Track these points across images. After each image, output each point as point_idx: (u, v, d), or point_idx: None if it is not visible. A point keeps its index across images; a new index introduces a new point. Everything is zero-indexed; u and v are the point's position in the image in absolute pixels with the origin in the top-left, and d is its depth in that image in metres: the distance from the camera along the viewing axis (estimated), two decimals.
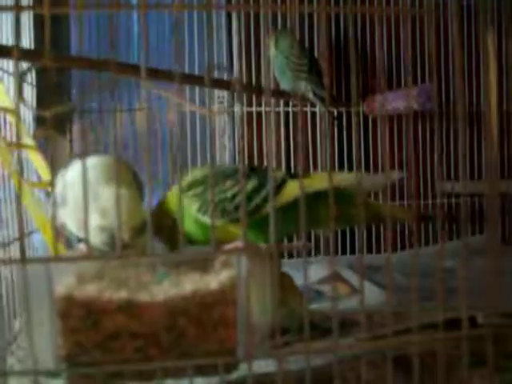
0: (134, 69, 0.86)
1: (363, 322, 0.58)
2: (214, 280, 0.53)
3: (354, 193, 0.68)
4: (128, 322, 0.51)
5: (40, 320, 0.51)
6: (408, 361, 0.56)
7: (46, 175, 0.82)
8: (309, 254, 1.44)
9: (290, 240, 1.14)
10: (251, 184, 0.72)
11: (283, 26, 1.40)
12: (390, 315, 0.61)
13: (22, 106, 0.97)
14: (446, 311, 0.56)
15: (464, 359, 0.56)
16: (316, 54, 1.43)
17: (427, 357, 0.57)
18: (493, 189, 0.61)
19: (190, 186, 0.75)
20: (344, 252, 1.48)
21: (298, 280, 1.15)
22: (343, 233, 1.47)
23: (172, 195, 0.76)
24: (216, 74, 1.38)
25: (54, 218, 0.67)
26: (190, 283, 0.53)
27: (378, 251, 1.50)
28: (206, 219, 0.72)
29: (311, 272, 1.09)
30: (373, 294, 1.00)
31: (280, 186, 0.73)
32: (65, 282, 0.53)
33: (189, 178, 0.76)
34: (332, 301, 0.54)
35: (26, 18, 1.07)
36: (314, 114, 1.49)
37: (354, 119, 1.38)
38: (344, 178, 0.74)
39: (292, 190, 0.72)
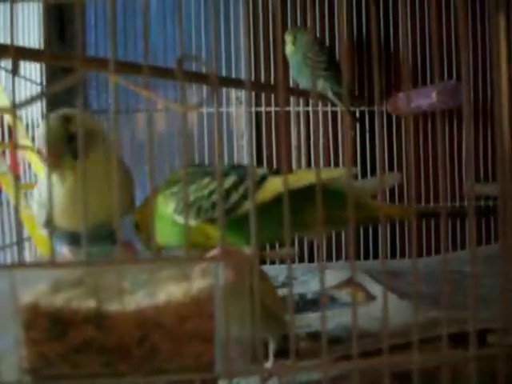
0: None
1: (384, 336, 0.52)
2: (190, 290, 0.49)
3: (344, 191, 0.61)
4: (96, 333, 0.47)
5: (4, 330, 0.48)
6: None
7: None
8: (329, 258, 1.39)
9: (280, 245, 1.09)
10: (230, 180, 0.67)
11: (302, 24, 1.35)
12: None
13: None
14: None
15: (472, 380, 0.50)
16: (337, 49, 1.38)
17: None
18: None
19: (168, 185, 0.70)
20: (367, 257, 1.42)
21: (314, 286, 1.11)
22: (365, 236, 1.41)
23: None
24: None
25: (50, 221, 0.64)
26: (164, 293, 0.49)
27: (403, 255, 1.44)
28: (182, 219, 0.67)
29: (326, 277, 1.04)
30: (390, 302, 0.94)
31: (260, 183, 0.67)
32: (35, 289, 0.50)
33: (168, 176, 0.72)
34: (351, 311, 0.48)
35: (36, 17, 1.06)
36: (335, 113, 1.43)
37: (377, 119, 1.32)
38: (331, 174, 0.67)
39: (272, 186, 0.66)
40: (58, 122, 0.63)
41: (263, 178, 0.67)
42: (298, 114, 1.41)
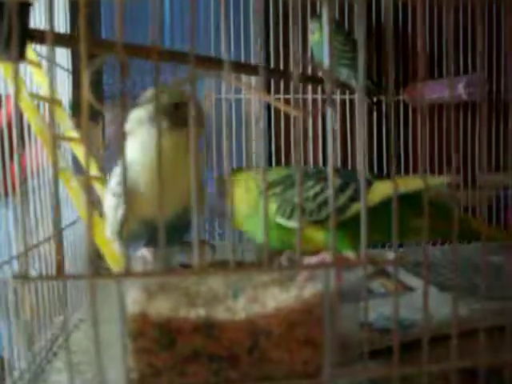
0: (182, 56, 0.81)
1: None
2: (298, 296, 0.48)
3: (445, 202, 0.61)
4: (205, 342, 0.46)
5: (109, 340, 0.47)
6: None
7: (92, 170, 0.77)
8: None
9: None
10: (335, 183, 0.66)
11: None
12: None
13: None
14: None
15: None
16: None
17: None
18: None
19: (268, 186, 0.69)
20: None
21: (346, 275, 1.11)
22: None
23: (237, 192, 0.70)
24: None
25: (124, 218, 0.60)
26: (270, 299, 0.48)
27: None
28: (285, 221, 0.66)
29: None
30: (431, 295, 0.95)
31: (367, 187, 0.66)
32: (132, 296, 0.49)
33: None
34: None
35: (61, 3, 1.01)
36: (353, 101, 1.43)
37: (388, 109, 1.32)
38: (434, 182, 0.67)
39: (380, 190, 0.65)
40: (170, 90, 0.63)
41: (370, 183, 0.67)
42: (315, 101, 1.40)
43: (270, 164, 1.39)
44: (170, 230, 0.44)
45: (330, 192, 0.45)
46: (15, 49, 0.44)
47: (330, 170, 0.46)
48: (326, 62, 1.29)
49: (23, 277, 0.42)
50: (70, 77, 1.03)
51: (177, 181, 0.56)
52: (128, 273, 0.45)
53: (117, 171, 0.67)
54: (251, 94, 1.21)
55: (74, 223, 0.90)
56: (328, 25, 0.46)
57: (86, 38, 0.44)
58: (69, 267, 0.91)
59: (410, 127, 1.43)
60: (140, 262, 0.62)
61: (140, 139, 0.64)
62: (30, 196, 0.74)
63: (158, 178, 0.45)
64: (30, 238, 0.71)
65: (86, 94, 0.44)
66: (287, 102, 1.36)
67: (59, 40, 0.77)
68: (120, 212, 0.65)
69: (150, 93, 0.67)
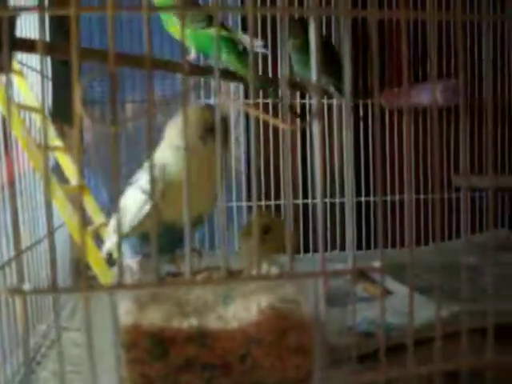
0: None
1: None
2: (288, 303, 0.49)
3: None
4: (199, 351, 0.47)
5: (101, 350, 0.47)
6: None
7: (74, 179, 0.77)
8: (325, 249, 1.41)
9: None
10: None
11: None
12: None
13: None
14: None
15: None
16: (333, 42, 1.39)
17: None
18: None
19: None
20: (368, 247, 1.46)
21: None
22: (359, 226, 1.44)
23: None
24: None
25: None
26: (262, 308, 0.49)
27: (393, 245, 1.48)
28: None
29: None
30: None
31: None
32: (124, 307, 0.49)
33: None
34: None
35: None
36: (330, 106, 1.45)
37: (374, 111, 1.34)
38: None
39: None
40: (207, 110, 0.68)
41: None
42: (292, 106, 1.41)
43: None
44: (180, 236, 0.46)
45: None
46: (7, 61, 0.44)
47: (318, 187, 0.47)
48: (296, 66, 1.29)
49: (17, 290, 0.42)
50: (49, 82, 1.03)
51: (200, 189, 0.64)
52: (121, 285, 0.45)
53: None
54: (227, 101, 1.22)
55: (56, 229, 0.90)
56: (315, 41, 0.47)
57: (77, 49, 0.44)
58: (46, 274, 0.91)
59: (387, 131, 1.46)
60: (127, 272, 0.63)
61: (178, 147, 0.68)
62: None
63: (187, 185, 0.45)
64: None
65: (78, 108, 0.44)
66: (266, 106, 1.38)
67: (49, 50, 0.77)
68: (146, 208, 0.66)
69: (195, 111, 0.70)
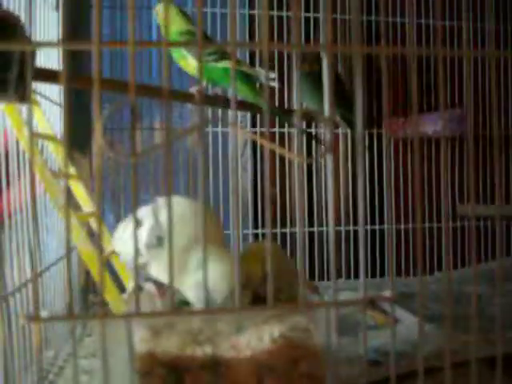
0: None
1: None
2: (300, 332, 0.50)
3: None
4: (212, 380, 0.47)
5: (114, 378, 0.47)
6: None
7: (87, 206, 0.78)
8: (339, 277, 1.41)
9: None
10: None
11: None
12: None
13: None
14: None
15: None
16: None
17: None
18: None
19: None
20: (374, 275, 1.46)
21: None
22: (373, 255, 1.44)
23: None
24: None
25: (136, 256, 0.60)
26: (275, 336, 0.50)
27: (406, 274, 1.47)
28: None
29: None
30: (417, 326, 0.97)
31: None
32: (139, 335, 0.50)
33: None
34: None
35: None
36: (335, 135, 1.46)
37: (384, 141, 1.36)
38: None
39: None
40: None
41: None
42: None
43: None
44: None
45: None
46: (29, 93, 0.45)
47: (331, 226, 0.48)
48: (304, 95, 1.30)
49: (34, 317, 0.43)
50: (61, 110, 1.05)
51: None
52: (137, 313, 0.46)
53: (148, 222, 0.66)
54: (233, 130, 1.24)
55: (64, 256, 0.91)
56: (328, 76, 0.48)
57: (99, 82, 0.45)
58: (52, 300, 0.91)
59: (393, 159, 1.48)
60: (146, 297, 0.63)
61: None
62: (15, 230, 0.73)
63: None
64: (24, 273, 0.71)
65: (99, 138, 0.45)
66: (273, 136, 1.40)
67: (70, 81, 0.78)
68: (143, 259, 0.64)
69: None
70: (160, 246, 0.62)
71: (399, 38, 1.46)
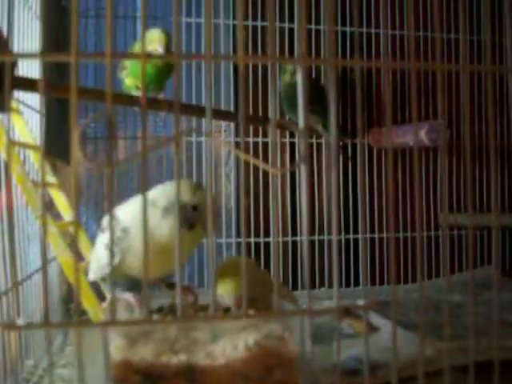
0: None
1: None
2: (275, 340, 0.51)
3: None
4: None
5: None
6: None
7: (68, 215, 0.78)
8: (313, 286, 1.42)
9: None
10: None
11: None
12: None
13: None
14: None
15: None
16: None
17: None
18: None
19: None
20: (348, 284, 1.47)
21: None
22: (347, 263, 1.46)
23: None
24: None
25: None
26: (250, 344, 0.50)
27: (381, 283, 1.49)
28: None
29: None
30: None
31: None
32: (114, 343, 0.50)
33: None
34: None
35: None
36: (319, 145, 1.48)
37: (359, 150, 1.37)
38: None
39: None
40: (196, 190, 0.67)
41: None
42: (282, 145, 1.45)
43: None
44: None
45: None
46: (8, 102, 0.46)
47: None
48: (285, 104, 1.32)
49: (10, 325, 0.43)
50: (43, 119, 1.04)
51: (167, 260, 0.60)
52: (113, 321, 0.46)
53: (106, 223, 0.68)
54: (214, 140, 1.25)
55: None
56: (302, 89, 0.49)
57: (76, 92, 0.46)
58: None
59: (375, 170, 1.49)
60: (123, 306, 0.64)
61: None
62: None
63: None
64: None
65: (76, 149, 0.45)
66: (256, 146, 1.41)
67: (49, 90, 0.79)
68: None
69: (187, 185, 0.68)
70: (127, 235, 0.64)
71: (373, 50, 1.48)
